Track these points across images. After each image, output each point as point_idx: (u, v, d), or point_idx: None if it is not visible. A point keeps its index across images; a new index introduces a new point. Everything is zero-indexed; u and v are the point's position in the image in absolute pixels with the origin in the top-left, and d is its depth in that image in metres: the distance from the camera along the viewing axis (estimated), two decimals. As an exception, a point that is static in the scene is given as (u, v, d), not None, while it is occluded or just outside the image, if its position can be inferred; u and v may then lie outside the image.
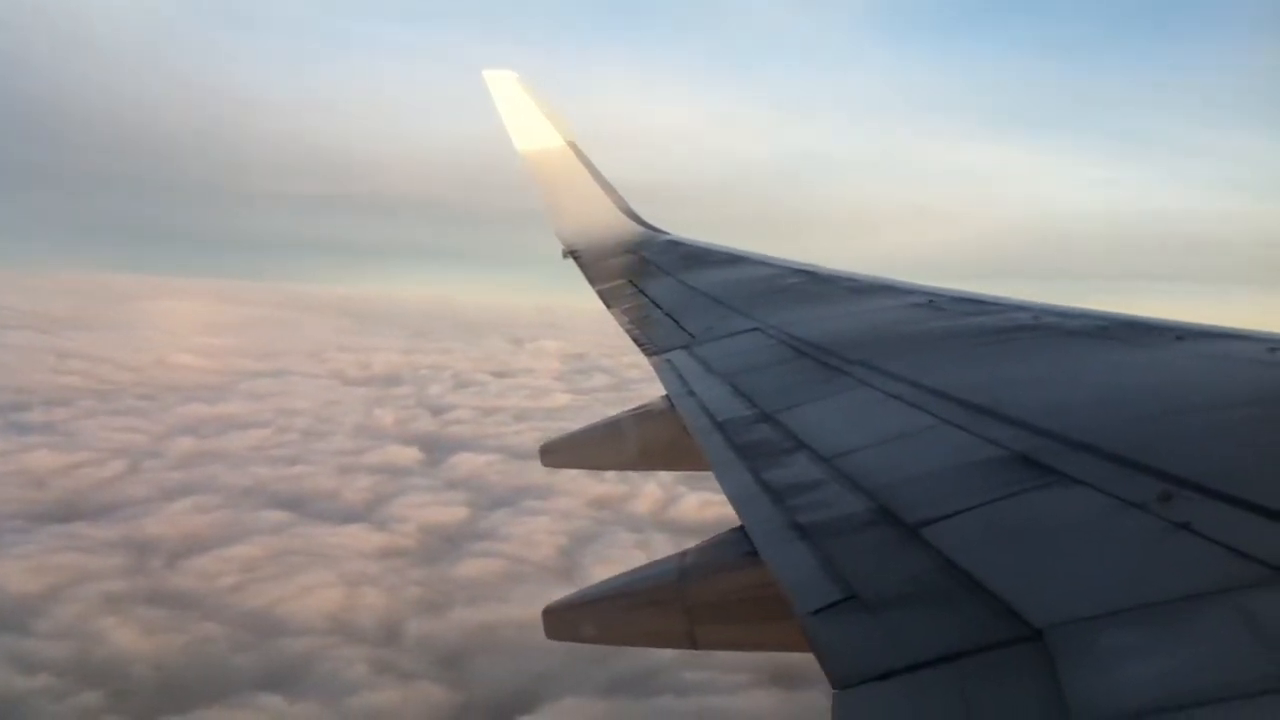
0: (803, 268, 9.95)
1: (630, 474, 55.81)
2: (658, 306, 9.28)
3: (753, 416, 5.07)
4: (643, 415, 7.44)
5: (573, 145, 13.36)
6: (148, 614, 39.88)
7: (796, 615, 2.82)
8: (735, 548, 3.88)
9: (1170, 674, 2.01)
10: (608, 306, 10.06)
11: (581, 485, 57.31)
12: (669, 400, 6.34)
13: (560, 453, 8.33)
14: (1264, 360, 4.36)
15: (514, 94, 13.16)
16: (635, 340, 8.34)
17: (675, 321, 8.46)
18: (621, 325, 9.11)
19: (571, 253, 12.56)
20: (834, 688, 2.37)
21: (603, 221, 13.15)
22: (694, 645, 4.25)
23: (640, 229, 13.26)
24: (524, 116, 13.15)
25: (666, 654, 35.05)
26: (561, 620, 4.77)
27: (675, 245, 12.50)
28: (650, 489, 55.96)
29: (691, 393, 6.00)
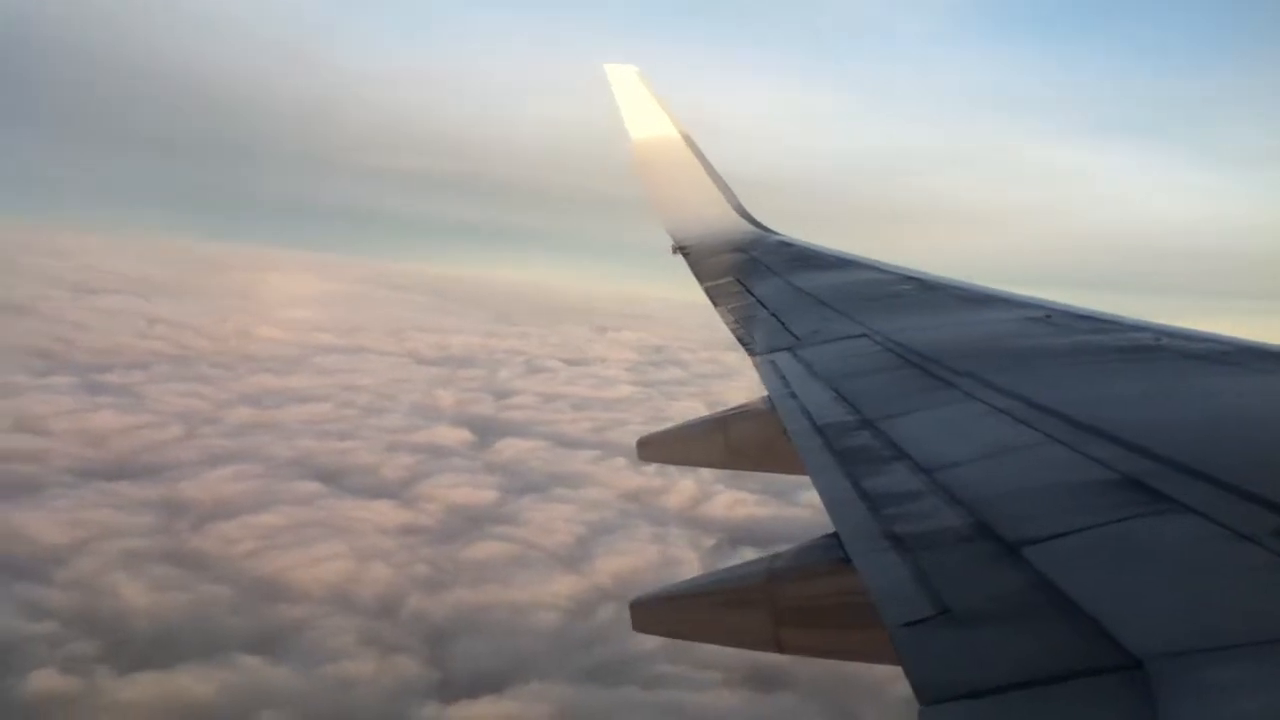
0: (913, 274, 9.80)
1: (669, 468, 56.39)
2: (764, 307, 9.24)
3: (854, 422, 5.01)
4: (742, 415, 7.42)
5: (688, 138, 13.38)
6: (161, 572, 41.43)
7: (886, 626, 2.78)
8: (827, 553, 3.84)
9: (1275, 713, 1.93)
10: (714, 304, 10.04)
11: (619, 477, 57.83)
12: (769, 401, 6.31)
13: (657, 446, 8.36)
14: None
15: (634, 87, 13.24)
16: (740, 340, 8.31)
17: (781, 323, 8.41)
18: (727, 324, 9.09)
19: (680, 248, 12.58)
20: (920, 703, 2.33)
21: (714, 219, 13.15)
22: (780, 649, 4.22)
23: (751, 228, 13.22)
24: (642, 109, 13.22)
25: (647, 645, 35.11)
26: (649, 613, 4.79)
27: (785, 246, 12.43)
28: (685, 485, 55.91)
29: (793, 395, 5.95)
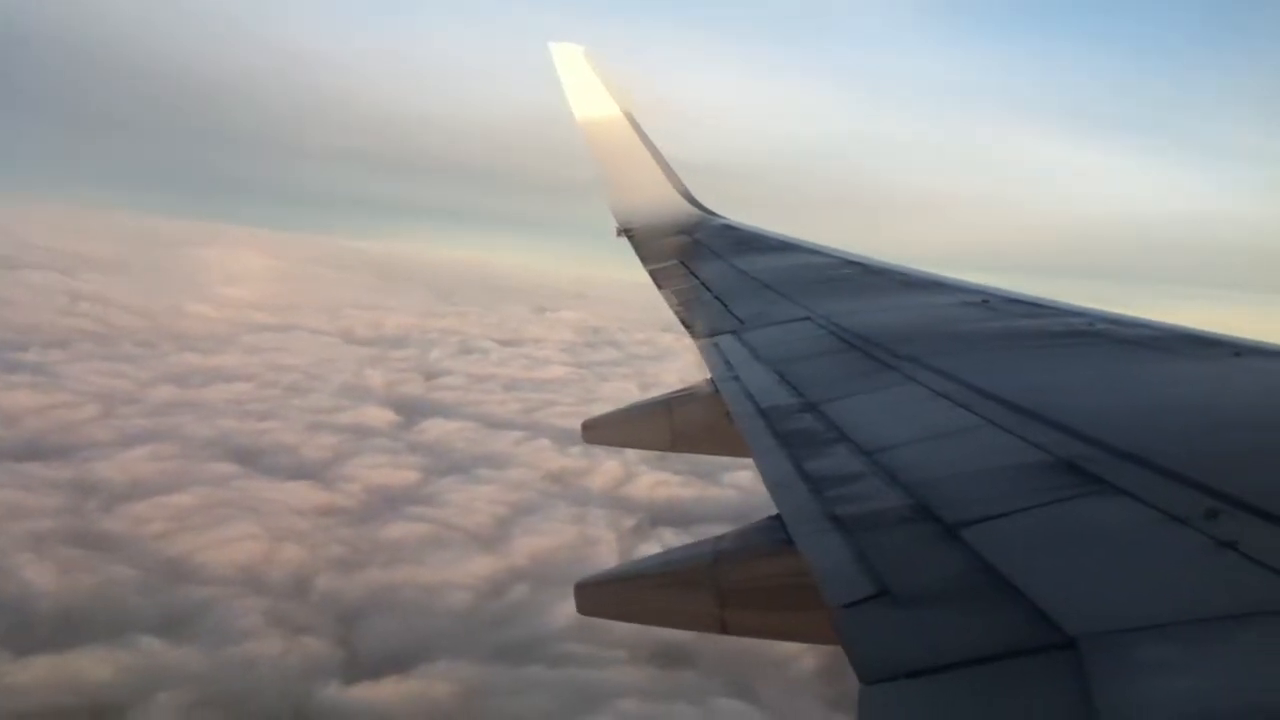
0: (856, 259, 9.89)
1: (594, 449, 56.52)
2: (708, 290, 9.26)
3: (796, 405, 5.04)
4: (686, 397, 7.44)
5: (631, 119, 13.33)
6: (67, 554, 40.49)
7: (828, 607, 2.81)
8: (770, 535, 3.87)
9: (1204, 693, 1.98)
10: (658, 287, 10.05)
11: (543, 457, 57.67)
12: (713, 384, 6.33)
13: (601, 429, 8.35)
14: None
15: (579, 67, 13.15)
16: (683, 322, 8.33)
17: (725, 306, 8.44)
18: (670, 306, 9.10)
19: (625, 231, 12.56)
20: (861, 682, 2.36)
21: (658, 202, 13.14)
22: (724, 630, 4.25)
23: (696, 211, 13.24)
24: (586, 89, 13.14)
25: (557, 624, 35.53)
26: (593, 596, 4.79)
27: (730, 229, 12.46)
28: (610, 466, 55.80)
29: (736, 378, 5.98)
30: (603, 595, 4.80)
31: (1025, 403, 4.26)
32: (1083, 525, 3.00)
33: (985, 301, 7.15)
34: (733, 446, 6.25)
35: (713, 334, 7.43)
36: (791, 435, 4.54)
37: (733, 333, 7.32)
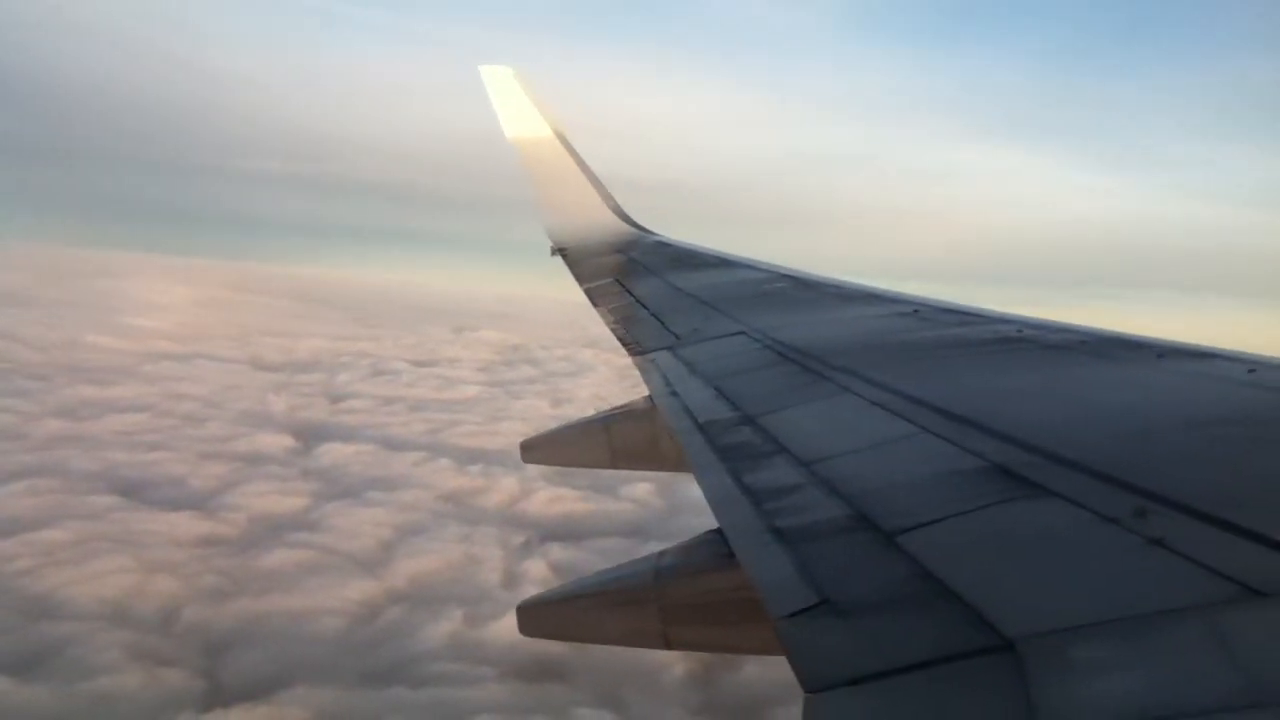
0: (789, 273, 9.98)
1: (493, 468, 56.19)
2: (644, 307, 9.29)
3: (735, 419, 5.07)
4: (625, 415, 7.44)
5: (561, 136, 13.36)
6: None
7: (771, 618, 2.82)
8: (712, 549, 3.88)
9: (1139, 689, 2.02)
10: (594, 305, 10.06)
11: (440, 478, 56.72)
12: (651, 400, 6.34)
13: (540, 450, 8.32)
14: (1242, 380, 4.40)
15: (509, 88, 13.16)
16: (620, 340, 8.34)
17: (661, 322, 8.46)
18: (607, 324, 9.11)
19: (560, 250, 12.56)
20: (805, 691, 2.37)
21: (592, 220, 13.16)
22: (667, 646, 4.26)
23: (629, 229, 13.28)
24: (517, 110, 13.15)
25: (429, 645, 35.14)
26: (535, 617, 4.76)
27: (664, 246, 12.52)
28: (507, 483, 55.13)
29: (674, 393, 6.00)
30: (544, 616, 4.78)
31: (958, 410, 4.33)
32: (1017, 528, 3.05)
33: (916, 312, 7.26)
34: (672, 462, 6.27)
35: (650, 351, 7.45)
36: (731, 449, 4.57)
37: (669, 349, 7.35)
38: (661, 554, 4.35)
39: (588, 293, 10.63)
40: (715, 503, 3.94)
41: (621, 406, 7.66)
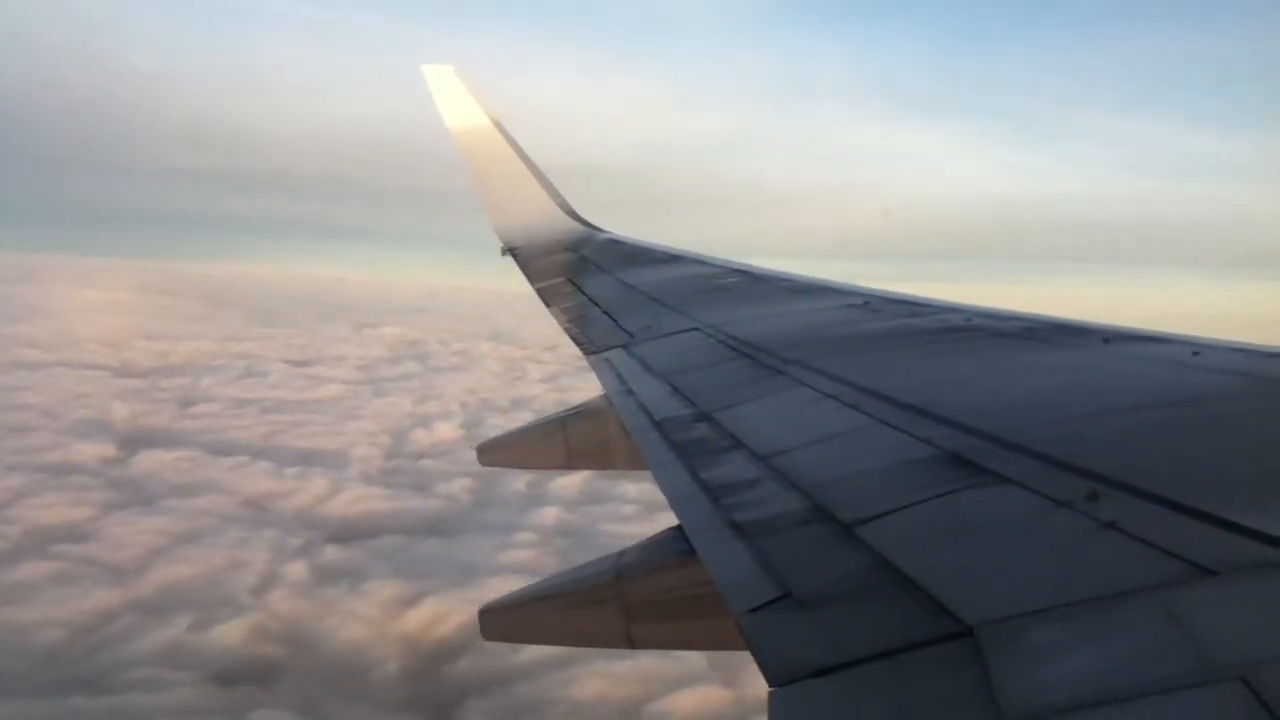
0: (740, 267, 10.03)
1: (310, 469, 54.82)
2: (596, 305, 9.28)
3: (690, 415, 5.09)
4: (581, 414, 7.44)
5: (506, 134, 13.32)
6: None
7: (732, 613, 2.83)
8: (672, 546, 3.89)
9: (1096, 670, 2.05)
10: (546, 305, 10.04)
11: (251, 481, 54.68)
12: (607, 399, 6.34)
13: (496, 452, 8.29)
14: (1187, 363, 4.49)
15: (452, 86, 13.09)
16: (573, 339, 8.33)
17: (614, 320, 8.47)
18: (560, 324, 9.09)
19: (510, 250, 12.52)
20: (770, 685, 2.38)
21: (542, 219, 13.13)
22: (631, 644, 4.26)
23: (579, 227, 13.26)
24: (460, 109, 13.10)
25: (137, 652, 33.83)
26: (498, 620, 4.74)
27: (615, 244, 12.52)
28: (317, 485, 53.54)
29: (630, 392, 6.00)
30: (507, 619, 4.76)
31: (910, 400, 4.37)
32: (972, 515, 3.09)
33: (866, 303, 7.32)
34: (629, 460, 6.27)
35: (604, 349, 7.45)
36: (687, 445, 4.57)
37: (623, 347, 7.35)
38: (622, 553, 4.36)
39: (539, 292, 10.60)
40: (674, 499, 3.95)
41: (578, 406, 7.66)
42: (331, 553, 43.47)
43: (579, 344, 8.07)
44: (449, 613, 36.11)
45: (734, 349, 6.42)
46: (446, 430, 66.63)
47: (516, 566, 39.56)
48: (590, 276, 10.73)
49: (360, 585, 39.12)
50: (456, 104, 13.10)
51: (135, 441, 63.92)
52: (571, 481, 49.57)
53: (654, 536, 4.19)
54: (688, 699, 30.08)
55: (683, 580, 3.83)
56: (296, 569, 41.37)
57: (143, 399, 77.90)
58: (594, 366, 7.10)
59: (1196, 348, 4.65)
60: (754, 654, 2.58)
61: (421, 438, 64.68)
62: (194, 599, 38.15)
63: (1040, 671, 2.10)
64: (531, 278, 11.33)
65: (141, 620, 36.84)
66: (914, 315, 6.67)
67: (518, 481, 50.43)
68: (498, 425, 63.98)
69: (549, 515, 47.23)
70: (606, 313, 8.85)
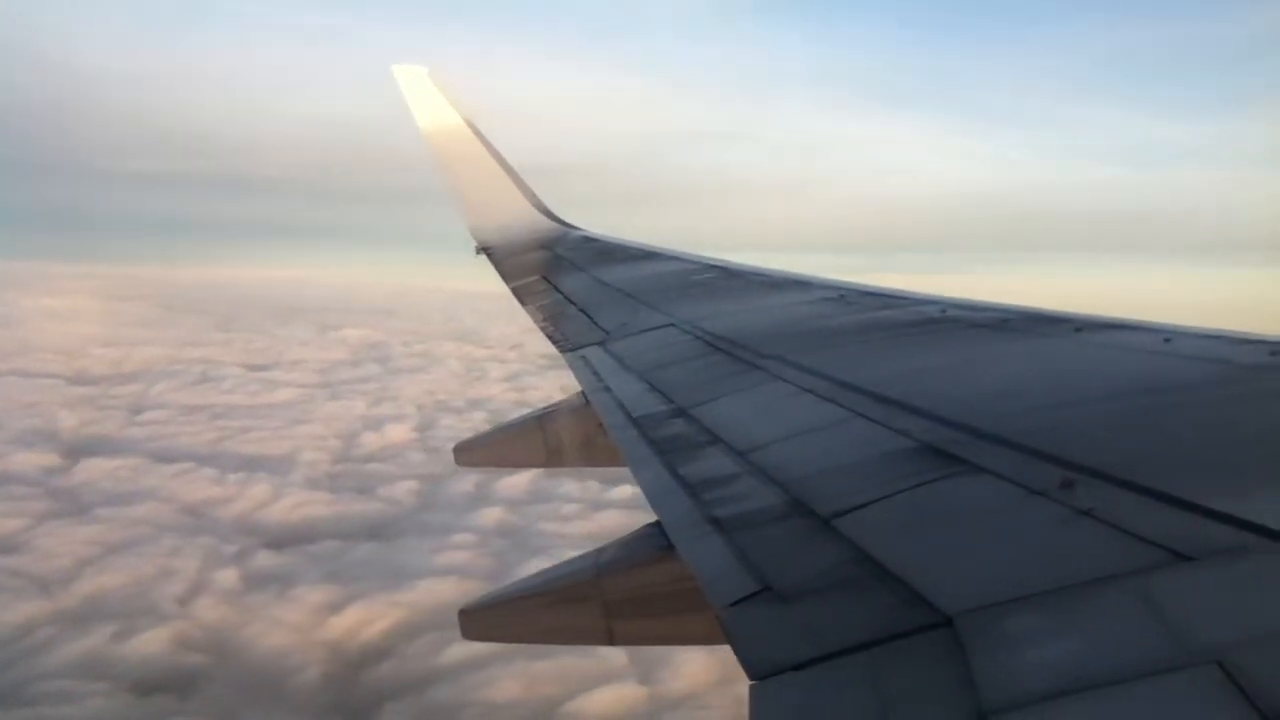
0: (715, 263, 10.04)
1: (254, 475, 54.30)
2: (572, 303, 9.27)
3: (667, 412, 5.08)
4: (558, 412, 7.42)
5: (479, 134, 13.29)
6: None
7: (713, 608, 2.83)
8: (651, 542, 3.89)
9: (1075, 657, 2.06)
10: (522, 304, 10.01)
11: (192, 488, 53.88)
12: (584, 397, 6.33)
13: (474, 451, 8.26)
14: (1160, 351, 4.52)
15: (423, 87, 13.05)
16: (550, 337, 8.32)
17: (589, 318, 8.46)
18: (536, 322, 9.08)
19: (485, 249, 12.48)
20: (750, 678, 2.38)
21: (516, 218, 13.10)
22: (611, 641, 4.25)
23: (554, 225, 13.24)
24: (433, 110, 13.06)
25: (55, 663, 33.46)
26: (478, 621, 4.72)
27: (590, 241, 12.50)
28: (259, 490, 53.01)
29: (606, 389, 6.00)
30: (488, 619, 4.74)
31: (887, 392, 4.39)
32: (949, 506, 3.10)
33: (842, 297, 7.34)
34: (609, 457, 6.26)
35: (580, 347, 7.44)
36: (665, 441, 4.57)
37: (600, 344, 7.34)
38: (602, 550, 4.35)
39: (515, 291, 10.58)
40: (652, 495, 3.95)
41: (555, 404, 7.64)
42: (265, 559, 42.93)
43: (555, 342, 8.05)
44: (375, 617, 36.11)
45: (710, 344, 6.42)
46: (398, 433, 66.34)
47: (450, 569, 39.73)
48: (565, 274, 10.72)
49: (289, 591, 38.73)
50: (428, 104, 13.06)
51: (79, 450, 62.81)
52: (518, 481, 49.39)
53: (633, 533, 4.19)
54: (604, 697, 30.16)
55: (662, 576, 3.83)
56: (227, 576, 40.89)
57: (92, 406, 76.54)
58: (570, 364, 7.09)
59: (1168, 335, 4.69)
60: (734, 648, 2.58)
61: (371, 441, 64.22)
62: (119, 609, 37.61)
63: (1020, 660, 2.11)
64: (506, 276, 11.31)
65: (63, 631, 36.31)
66: (889, 307, 6.69)
67: (465, 483, 50.15)
68: (450, 426, 63.60)
69: (491, 516, 46.90)
70: (582, 310, 8.83)
